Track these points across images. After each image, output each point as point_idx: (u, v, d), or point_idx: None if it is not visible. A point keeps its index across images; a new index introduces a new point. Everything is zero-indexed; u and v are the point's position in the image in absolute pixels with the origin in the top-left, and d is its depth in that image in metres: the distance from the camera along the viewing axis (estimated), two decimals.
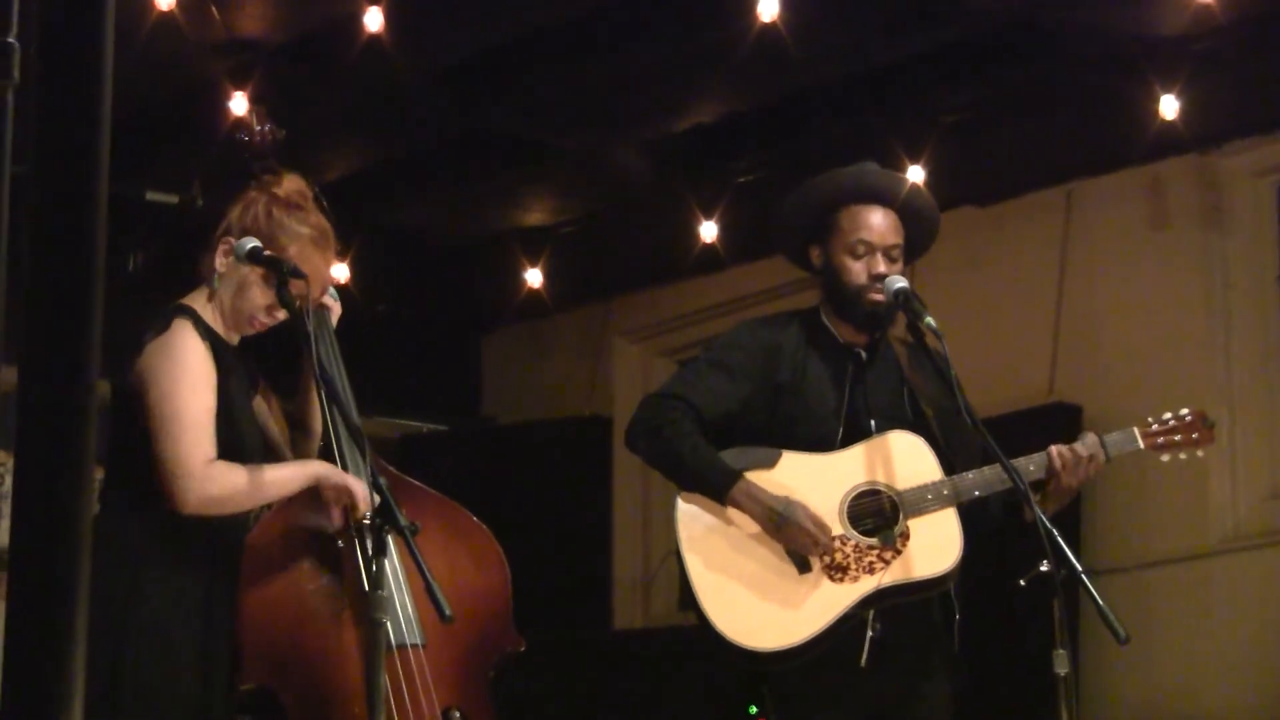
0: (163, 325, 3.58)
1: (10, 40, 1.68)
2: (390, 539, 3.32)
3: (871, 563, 3.97)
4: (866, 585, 3.95)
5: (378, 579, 3.26)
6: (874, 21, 6.00)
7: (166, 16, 5.49)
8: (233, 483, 3.51)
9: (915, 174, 6.09)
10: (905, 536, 3.99)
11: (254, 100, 5.76)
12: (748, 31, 5.70)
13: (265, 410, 3.83)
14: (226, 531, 3.61)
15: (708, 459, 4.07)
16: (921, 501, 4.00)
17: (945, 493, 4.01)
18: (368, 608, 3.30)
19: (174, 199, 6.87)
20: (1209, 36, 5.97)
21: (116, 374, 3.56)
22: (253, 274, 3.65)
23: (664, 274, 8.07)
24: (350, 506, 3.58)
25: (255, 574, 3.59)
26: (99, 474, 3.45)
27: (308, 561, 3.64)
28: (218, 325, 3.67)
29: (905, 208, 4.23)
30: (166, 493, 3.47)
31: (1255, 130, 6.62)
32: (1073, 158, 6.92)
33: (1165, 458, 4.18)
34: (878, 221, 4.18)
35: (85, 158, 1.64)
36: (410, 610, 3.67)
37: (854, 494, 4.03)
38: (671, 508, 4.11)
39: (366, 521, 3.41)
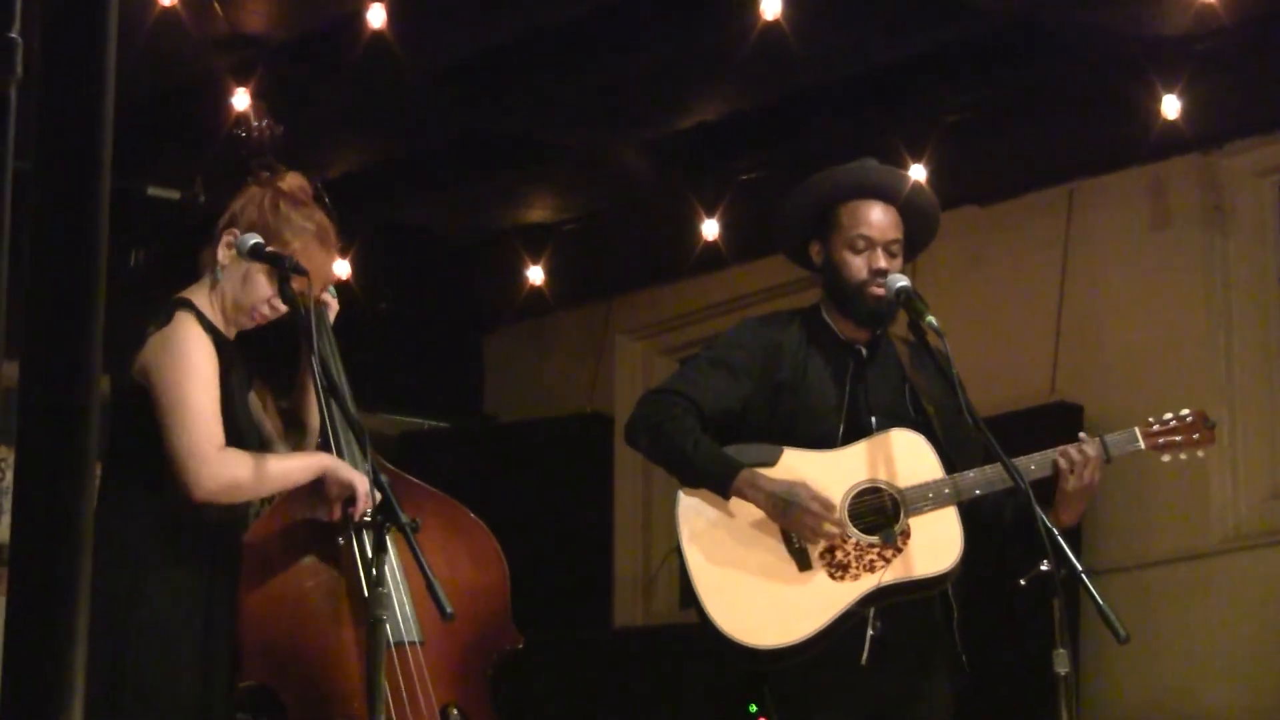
0: (165, 318, 3.57)
1: (13, 35, 1.68)
2: (389, 536, 3.32)
3: (872, 560, 3.97)
4: (867, 583, 3.95)
5: (379, 576, 3.27)
6: (875, 21, 6.00)
7: (169, 12, 5.49)
8: (245, 469, 3.50)
9: (917, 173, 6.09)
10: (906, 534, 3.99)
11: (256, 97, 5.76)
12: (749, 30, 5.70)
13: (259, 406, 3.83)
14: (226, 529, 3.61)
15: (710, 453, 4.06)
16: (922, 500, 4.00)
17: (946, 491, 4.00)
18: (369, 605, 3.30)
19: (176, 195, 6.87)
20: (1211, 36, 5.97)
21: (117, 369, 3.56)
22: (256, 266, 3.65)
23: (665, 272, 8.07)
24: (351, 502, 3.57)
25: (255, 572, 3.59)
26: (97, 471, 3.45)
27: (307, 559, 3.64)
28: (218, 319, 3.66)
29: (906, 204, 4.23)
30: (180, 480, 3.45)
31: (1257, 130, 6.62)
32: (1074, 157, 6.92)
33: (1166, 458, 4.17)
34: (878, 217, 4.18)
35: (87, 154, 1.64)
36: (408, 608, 3.67)
37: (855, 491, 4.03)
38: (673, 504, 4.11)
39: (368, 518, 3.41)
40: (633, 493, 8.26)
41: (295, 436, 3.86)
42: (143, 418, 3.51)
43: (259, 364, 3.85)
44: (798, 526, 3.98)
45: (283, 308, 3.65)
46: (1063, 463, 4.01)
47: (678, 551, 4.07)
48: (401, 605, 3.65)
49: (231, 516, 3.63)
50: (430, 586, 3.26)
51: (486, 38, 6.17)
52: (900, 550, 3.98)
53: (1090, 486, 4.02)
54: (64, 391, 1.62)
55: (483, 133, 7.05)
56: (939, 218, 4.33)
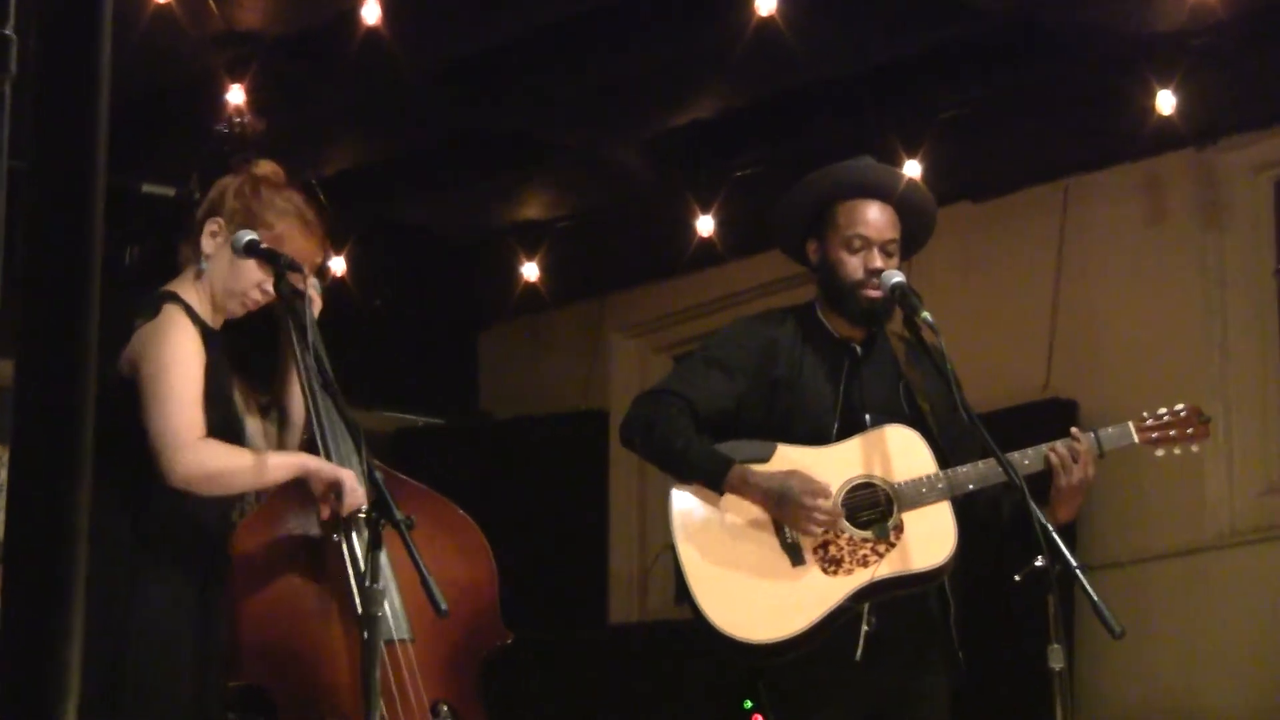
0: (153, 311, 3.55)
1: (7, 33, 1.67)
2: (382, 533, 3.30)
3: (866, 555, 3.97)
4: (860, 578, 3.95)
5: (374, 573, 3.25)
6: (872, 18, 6.00)
7: (164, 9, 5.48)
8: (223, 460, 3.48)
9: (912, 170, 6.09)
10: (899, 529, 3.99)
11: (251, 93, 5.76)
12: (746, 27, 5.69)
13: (240, 400, 3.80)
14: (218, 528, 3.60)
15: (702, 450, 4.06)
16: (916, 495, 4.00)
17: (940, 486, 4.00)
18: (364, 602, 3.29)
19: (171, 192, 6.85)
20: (1207, 32, 5.97)
21: (105, 364, 3.53)
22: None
23: (661, 269, 8.06)
24: (339, 497, 3.53)
25: (245, 571, 3.57)
26: None
27: (297, 557, 3.62)
28: (205, 311, 3.64)
29: (902, 202, 4.23)
30: (157, 465, 3.42)
31: (1253, 126, 6.62)
32: (1070, 153, 6.92)
33: (1160, 453, 4.17)
34: (875, 216, 4.17)
35: (83, 152, 1.63)
36: (398, 605, 3.64)
37: (849, 486, 4.03)
38: (666, 501, 4.11)
39: (362, 515, 3.39)
40: (628, 489, 8.26)
41: (281, 430, 3.84)
42: (130, 412, 3.47)
43: (237, 357, 3.82)
44: (792, 518, 3.98)
45: (274, 293, 3.63)
46: (1054, 458, 4.00)
47: (671, 548, 4.07)
48: (391, 602, 3.63)
49: (223, 515, 3.62)
50: (425, 583, 3.25)
51: (483, 36, 6.17)
52: (894, 545, 3.97)
53: (1085, 482, 4.01)
54: (60, 390, 1.62)
55: (479, 130, 7.04)
56: (936, 216, 4.33)
